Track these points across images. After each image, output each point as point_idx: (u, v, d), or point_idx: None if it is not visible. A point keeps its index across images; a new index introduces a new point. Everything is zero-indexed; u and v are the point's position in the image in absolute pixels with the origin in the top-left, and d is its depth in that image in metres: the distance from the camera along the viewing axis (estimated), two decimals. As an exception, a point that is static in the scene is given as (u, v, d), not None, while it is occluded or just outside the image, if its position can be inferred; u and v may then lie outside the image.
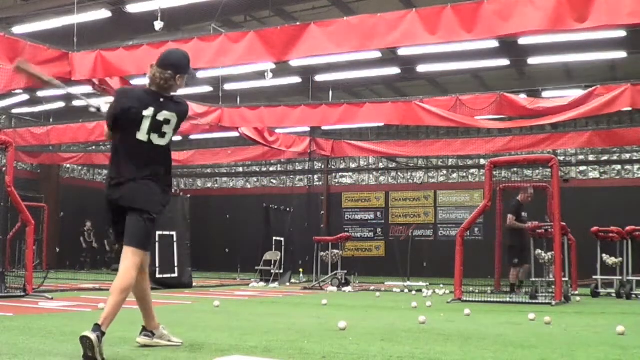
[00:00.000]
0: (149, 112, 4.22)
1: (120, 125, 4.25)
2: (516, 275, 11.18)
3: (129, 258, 4.14)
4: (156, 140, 4.27)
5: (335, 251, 14.84)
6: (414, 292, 12.95)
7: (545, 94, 15.47)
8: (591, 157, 21.34)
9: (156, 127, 4.25)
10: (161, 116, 4.25)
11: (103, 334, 3.83)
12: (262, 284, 15.62)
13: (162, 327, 4.51)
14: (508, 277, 11.38)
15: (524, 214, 11.36)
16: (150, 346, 4.40)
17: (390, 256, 20.81)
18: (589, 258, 12.82)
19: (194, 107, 14.48)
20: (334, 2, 14.03)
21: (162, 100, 4.30)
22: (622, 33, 12.93)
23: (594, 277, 12.54)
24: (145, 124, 4.22)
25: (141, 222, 4.18)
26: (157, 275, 12.60)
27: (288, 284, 16.26)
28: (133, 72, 11.72)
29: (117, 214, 4.28)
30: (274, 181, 26.06)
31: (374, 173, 24.49)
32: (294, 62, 15.12)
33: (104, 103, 4.37)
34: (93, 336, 3.73)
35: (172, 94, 4.41)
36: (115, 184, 4.25)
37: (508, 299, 10.27)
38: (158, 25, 11.83)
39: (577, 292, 12.06)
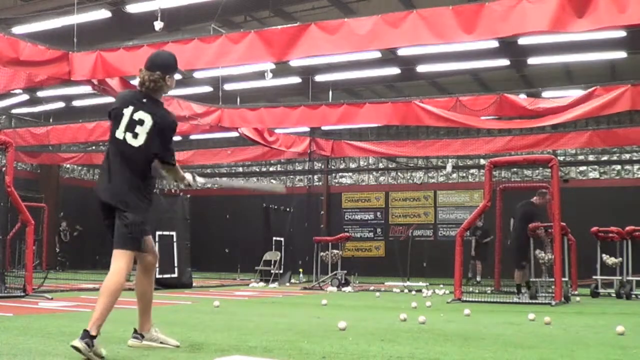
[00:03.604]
0: (128, 110, 4.24)
1: (110, 125, 4.33)
2: (521, 276, 11.09)
3: (117, 260, 4.11)
4: (130, 139, 4.21)
5: (335, 251, 14.83)
6: (414, 292, 12.96)
7: (545, 94, 15.47)
8: (591, 157, 21.35)
9: (131, 126, 4.22)
10: (137, 115, 4.22)
11: (93, 337, 3.83)
12: (262, 284, 15.63)
13: (154, 330, 4.44)
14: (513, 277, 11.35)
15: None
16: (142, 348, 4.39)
17: (390, 256, 20.80)
18: (589, 258, 12.83)
19: (194, 107, 14.49)
20: (334, 2, 14.03)
21: (144, 100, 4.29)
22: (622, 33, 12.93)
23: (594, 277, 12.54)
24: (123, 122, 4.23)
25: (121, 221, 4.15)
26: (157, 275, 12.58)
27: (288, 284, 16.26)
28: (133, 73, 11.68)
29: (106, 213, 4.25)
30: (274, 181, 26.06)
31: (374, 173, 24.50)
32: (294, 62, 15.13)
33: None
34: (81, 345, 3.77)
35: (162, 98, 4.42)
36: (106, 180, 4.27)
37: (515, 300, 10.26)
38: (158, 25, 11.83)
39: (577, 292, 12.06)
